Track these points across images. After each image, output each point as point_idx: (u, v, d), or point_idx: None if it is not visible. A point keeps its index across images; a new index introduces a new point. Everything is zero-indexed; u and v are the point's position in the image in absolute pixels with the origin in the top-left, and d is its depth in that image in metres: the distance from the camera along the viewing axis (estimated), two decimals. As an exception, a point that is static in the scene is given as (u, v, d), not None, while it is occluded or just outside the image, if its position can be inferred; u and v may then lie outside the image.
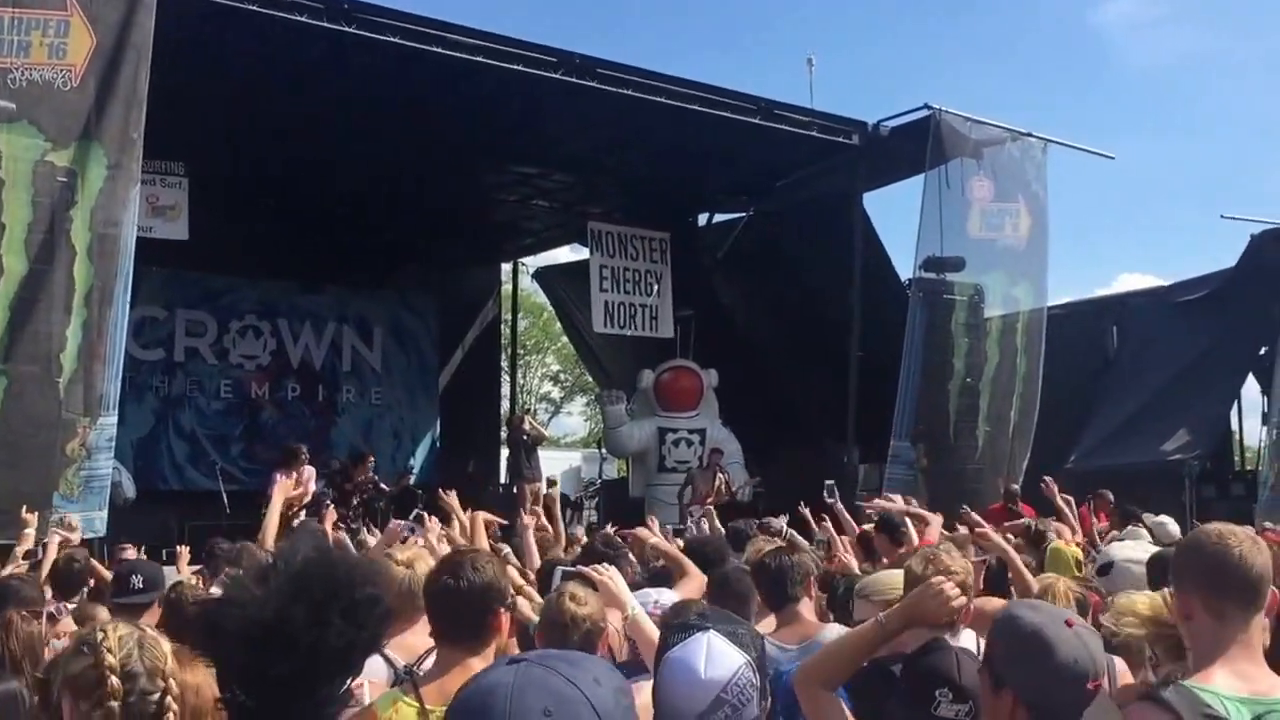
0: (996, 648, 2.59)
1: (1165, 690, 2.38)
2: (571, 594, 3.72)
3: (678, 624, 2.70)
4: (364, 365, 19.60)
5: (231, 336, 18.22)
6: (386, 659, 3.68)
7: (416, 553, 4.16)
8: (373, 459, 14.99)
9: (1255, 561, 2.49)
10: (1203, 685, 2.36)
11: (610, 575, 3.96)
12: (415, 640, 3.75)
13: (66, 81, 9.02)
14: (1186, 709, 2.30)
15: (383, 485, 14.67)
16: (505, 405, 23.24)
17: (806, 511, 9.47)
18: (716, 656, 2.47)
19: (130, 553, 8.83)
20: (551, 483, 17.55)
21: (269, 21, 10.68)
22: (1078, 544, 8.03)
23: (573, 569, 4.33)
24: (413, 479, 18.10)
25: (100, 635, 2.50)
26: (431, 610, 3.34)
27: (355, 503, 13.97)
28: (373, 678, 3.52)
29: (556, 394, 45.49)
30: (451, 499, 7.66)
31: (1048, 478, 10.10)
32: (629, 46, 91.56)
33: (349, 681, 2.04)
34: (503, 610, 3.28)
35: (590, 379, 29.98)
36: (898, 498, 8.33)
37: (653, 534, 6.06)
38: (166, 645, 2.56)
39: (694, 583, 5.26)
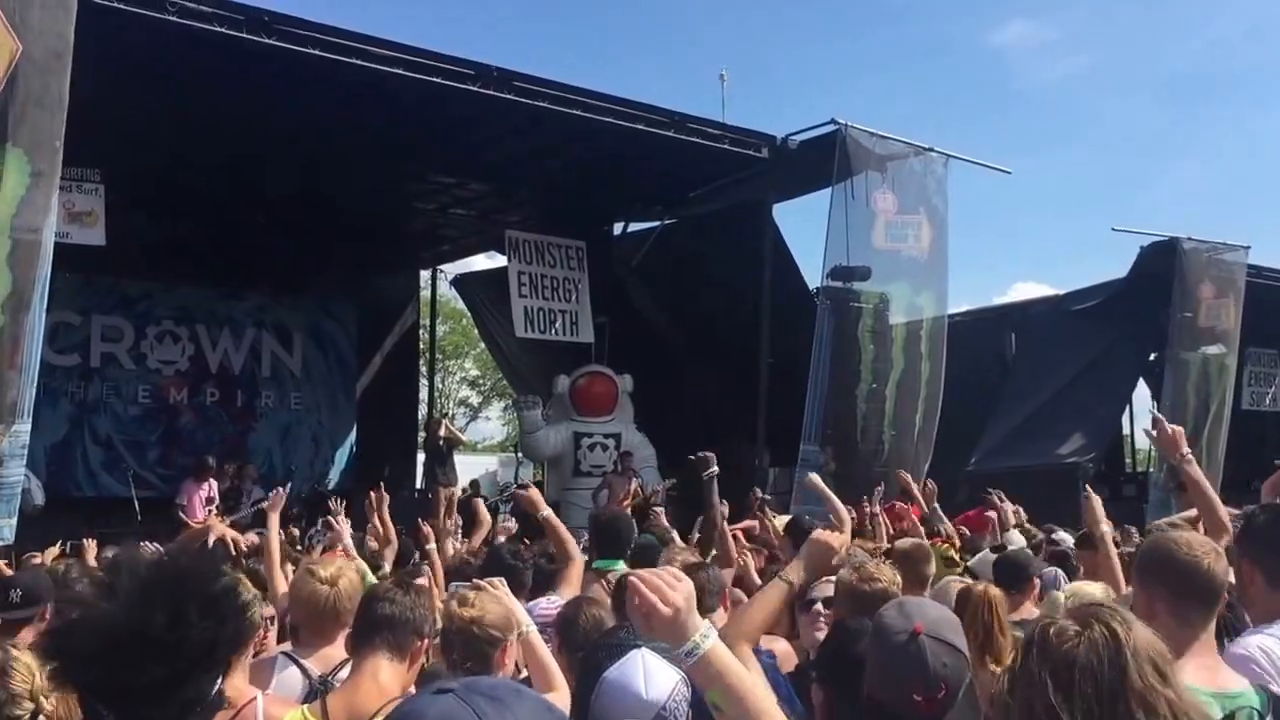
0: None
1: None
2: (470, 600, 3.67)
3: (607, 642, 2.77)
4: (284, 370, 19.58)
5: (149, 342, 18.12)
6: (303, 669, 3.78)
7: (340, 568, 4.06)
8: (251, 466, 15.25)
9: (1218, 571, 2.77)
10: None
11: (504, 591, 3.93)
12: (333, 651, 3.81)
13: (-14, 87, 8.81)
14: None
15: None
16: (424, 410, 23.33)
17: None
18: (655, 675, 2.51)
19: (37, 560, 8.45)
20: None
21: (188, 32, 10.60)
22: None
23: (467, 583, 4.27)
24: (331, 484, 18.27)
25: None
26: (362, 618, 3.44)
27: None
28: (288, 688, 3.66)
29: (475, 399, 45.59)
30: (379, 502, 7.63)
31: (1000, 500, 10.36)
32: (547, 61, 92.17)
33: (218, 682, 2.00)
34: (423, 641, 3.41)
35: (508, 384, 30.11)
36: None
37: (543, 505, 5.94)
38: (35, 664, 2.54)
39: (574, 570, 5.37)
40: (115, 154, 13.07)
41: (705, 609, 4.18)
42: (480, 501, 11.86)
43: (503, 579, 4.13)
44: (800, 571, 3.28)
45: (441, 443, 16.76)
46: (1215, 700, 2.45)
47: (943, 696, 2.48)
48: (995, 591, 4.58)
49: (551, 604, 4.66)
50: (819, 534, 3.36)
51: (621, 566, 5.61)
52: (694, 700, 2.55)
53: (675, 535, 7.78)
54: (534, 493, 6.34)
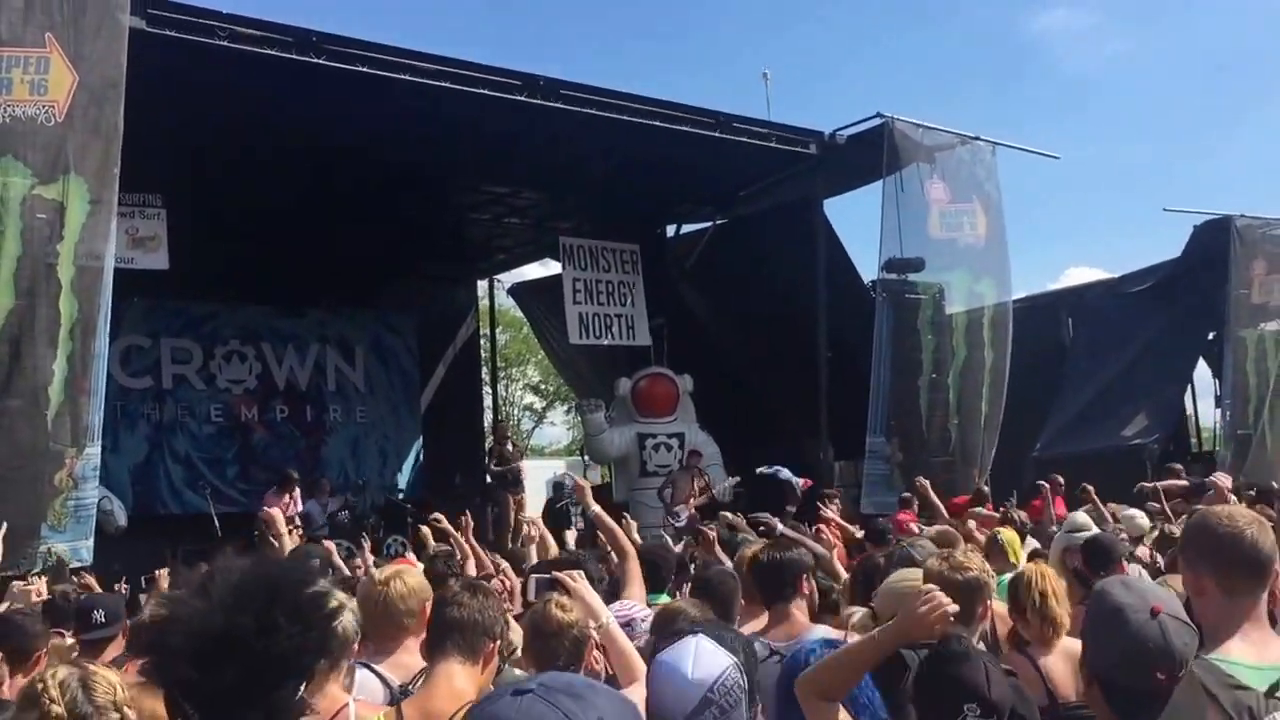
0: (1085, 622, 2.73)
1: (1191, 664, 2.51)
2: (558, 602, 3.70)
3: (668, 631, 2.80)
4: (348, 385, 19.76)
5: (217, 362, 18.36)
6: (382, 679, 3.77)
7: (396, 572, 4.11)
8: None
9: (1265, 543, 2.70)
10: (1223, 657, 2.49)
11: (584, 584, 3.94)
12: (410, 659, 3.80)
13: (50, 117, 9.11)
14: (1213, 682, 2.42)
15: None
16: (489, 418, 23.55)
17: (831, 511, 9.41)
18: (704, 658, 2.51)
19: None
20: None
21: (240, 56, 10.88)
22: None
23: (547, 577, 4.29)
24: (401, 495, 18.52)
25: (40, 686, 2.54)
26: (433, 624, 3.46)
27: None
28: (369, 697, 3.64)
29: (539, 404, 45.89)
30: (466, 527, 7.85)
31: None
32: (591, 68, 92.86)
33: (302, 688, 2.00)
34: (495, 643, 3.41)
35: (570, 389, 30.28)
36: None
37: (590, 501, 5.99)
38: (115, 677, 2.61)
39: (633, 565, 5.34)
40: (176, 178, 13.36)
41: (781, 596, 4.41)
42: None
43: (581, 571, 4.14)
44: (895, 635, 2.93)
45: (505, 472, 17.05)
46: (1257, 672, 2.47)
47: (1181, 674, 2.49)
48: (1047, 567, 4.67)
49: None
50: (926, 590, 2.95)
51: (665, 599, 5.48)
52: (752, 691, 2.58)
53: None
54: (581, 486, 6.38)
